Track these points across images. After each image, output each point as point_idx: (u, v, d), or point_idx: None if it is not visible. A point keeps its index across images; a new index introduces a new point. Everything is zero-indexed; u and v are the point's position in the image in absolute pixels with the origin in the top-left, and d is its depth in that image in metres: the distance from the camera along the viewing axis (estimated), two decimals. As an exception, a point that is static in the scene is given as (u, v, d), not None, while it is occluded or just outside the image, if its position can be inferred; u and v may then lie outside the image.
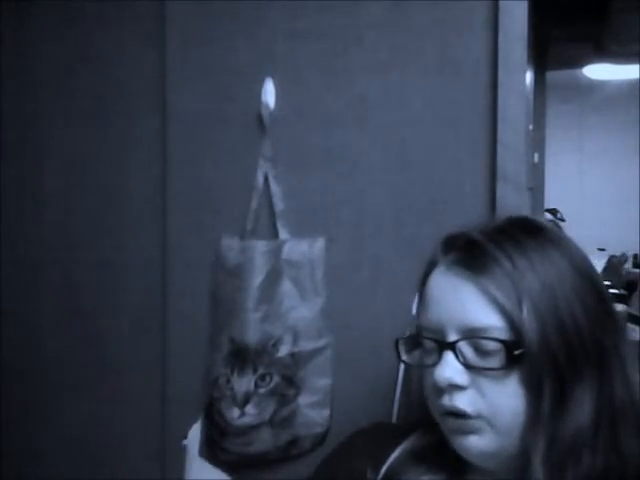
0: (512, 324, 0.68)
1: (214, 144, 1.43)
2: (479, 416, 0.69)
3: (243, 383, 1.29)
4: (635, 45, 2.49)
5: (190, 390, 1.41)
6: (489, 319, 0.69)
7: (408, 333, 0.76)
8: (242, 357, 1.30)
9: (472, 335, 0.69)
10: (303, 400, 1.31)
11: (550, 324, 0.68)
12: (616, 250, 4.35)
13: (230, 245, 1.37)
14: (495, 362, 0.68)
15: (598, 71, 3.54)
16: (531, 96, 2.64)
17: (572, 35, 2.86)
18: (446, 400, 0.70)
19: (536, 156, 2.88)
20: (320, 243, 1.34)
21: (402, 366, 1.33)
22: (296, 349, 1.30)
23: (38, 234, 1.58)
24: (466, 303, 0.70)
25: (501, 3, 1.26)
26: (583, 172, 5.19)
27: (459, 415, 0.70)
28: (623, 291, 3.07)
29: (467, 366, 0.69)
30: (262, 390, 1.28)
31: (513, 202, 1.27)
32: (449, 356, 0.70)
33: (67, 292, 1.55)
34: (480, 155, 1.29)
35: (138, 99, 1.49)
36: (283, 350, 1.30)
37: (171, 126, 1.45)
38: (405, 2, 1.32)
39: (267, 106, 1.37)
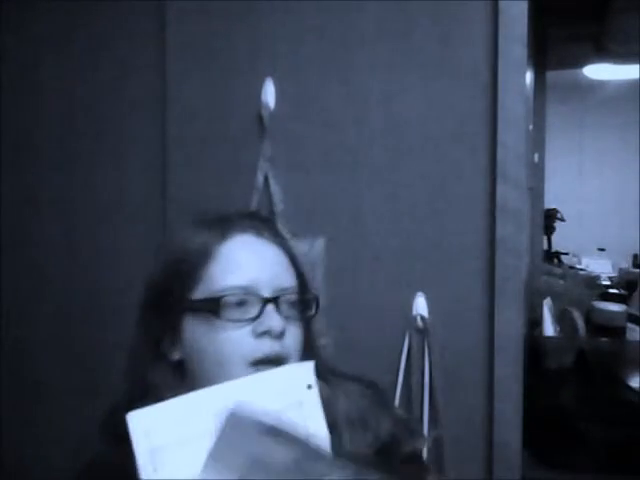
0: (302, 282, 0.85)
1: (214, 144, 1.43)
2: (287, 357, 0.79)
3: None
4: (635, 45, 2.49)
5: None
6: (292, 280, 0.84)
7: (200, 298, 0.80)
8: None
9: (284, 292, 0.81)
10: (303, 400, 1.31)
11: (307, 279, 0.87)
12: (616, 250, 4.35)
13: (230, 245, 1.36)
14: (296, 312, 0.82)
15: (598, 71, 3.53)
16: (531, 96, 2.64)
17: (572, 35, 2.86)
18: (267, 347, 0.78)
19: (536, 156, 2.88)
20: (320, 243, 1.34)
21: (402, 365, 1.33)
22: (296, 349, 1.30)
23: (38, 235, 1.58)
24: (277, 266, 0.83)
25: (501, 3, 1.26)
26: (583, 172, 5.19)
27: (272, 361, 0.78)
28: (623, 291, 3.06)
29: (283, 316, 0.80)
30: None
31: (513, 202, 1.27)
32: (271, 308, 0.79)
33: (67, 292, 1.55)
34: (480, 155, 1.29)
35: (138, 99, 1.49)
36: (283, 350, 1.30)
37: (171, 126, 1.45)
38: (405, 2, 1.32)
39: (267, 106, 1.37)
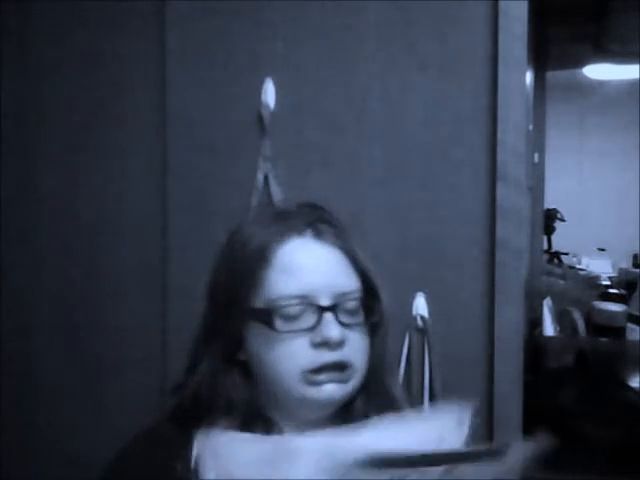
0: (367, 285, 0.82)
1: (214, 144, 1.43)
2: (349, 365, 0.77)
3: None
4: (635, 45, 2.49)
5: (190, 390, 1.41)
6: (354, 283, 0.80)
7: (257, 306, 0.78)
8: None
9: (344, 298, 0.78)
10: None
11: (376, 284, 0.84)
12: (616, 250, 4.35)
13: (230, 245, 1.36)
14: (360, 318, 0.79)
15: (598, 71, 3.54)
16: (531, 96, 2.64)
17: (572, 35, 2.86)
18: (325, 357, 0.76)
19: (536, 156, 2.88)
20: (320, 243, 1.34)
21: (402, 365, 1.33)
22: (296, 349, 1.30)
23: (37, 235, 1.58)
24: (336, 270, 0.80)
25: (501, 3, 1.26)
26: (583, 172, 5.19)
27: (331, 367, 0.76)
28: (623, 291, 3.07)
29: (343, 324, 0.77)
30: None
31: (513, 202, 1.27)
32: (329, 317, 0.76)
33: (66, 293, 1.55)
34: (480, 155, 1.29)
35: (138, 99, 1.49)
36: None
37: (171, 126, 1.45)
38: (405, 2, 1.32)
39: (267, 106, 1.37)
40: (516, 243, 1.28)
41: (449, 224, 1.32)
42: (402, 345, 1.32)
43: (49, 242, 1.57)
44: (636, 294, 3.05)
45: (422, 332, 1.32)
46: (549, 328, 2.68)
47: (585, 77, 3.72)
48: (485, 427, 1.28)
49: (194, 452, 0.69)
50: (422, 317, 1.32)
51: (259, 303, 0.78)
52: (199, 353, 0.82)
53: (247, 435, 0.71)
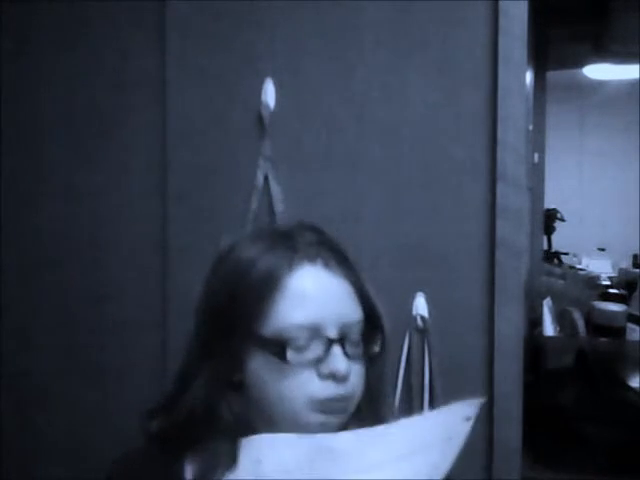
0: (370, 315, 0.81)
1: (214, 144, 1.43)
2: (351, 398, 0.78)
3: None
4: (635, 45, 2.48)
5: (190, 390, 1.41)
6: (359, 314, 0.80)
7: (266, 335, 0.77)
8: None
9: (350, 330, 0.77)
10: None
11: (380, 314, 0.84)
12: (616, 250, 4.35)
13: (230, 245, 1.36)
14: (361, 349, 0.79)
15: (598, 71, 3.53)
16: (531, 96, 2.64)
17: (572, 35, 2.86)
18: (331, 389, 0.76)
19: (536, 156, 2.88)
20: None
21: (402, 365, 1.33)
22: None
23: (37, 234, 1.58)
24: (343, 300, 0.79)
25: (501, 3, 1.26)
26: (583, 172, 5.19)
27: (336, 401, 0.76)
28: (623, 291, 3.06)
29: (348, 356, 0.77)
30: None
31: (513, 202, 1.27)
32: (337, 349, 0.76)
33: (66, 292, 1.55)
34: (480, 155, 1.29)
35: (138, 99, 1.49)
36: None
37: (171, 126, 1.45)
38: (405, 2, 1.32)
39: (267, 106, 1.37)
40: (516, 243, 1.28)
41: (449, 224, 1.32)
42: (402, 345, 1.32)
43: (49, 242, 1.57)
44: (636, 294, 3.05)
45: (422, 332, 1.32)
46: (549, 328, 2.68)
47: (585, 77, 3.72)
48: (485, 427, 1.28)
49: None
50: (422, 317, 1.32)
51: (267, 331, 0.76)
52: (192, 371, 0.80)
53: (284, 436, 0.70)
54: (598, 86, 4.08)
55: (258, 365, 0.77)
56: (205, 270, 1.45)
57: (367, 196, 1.35)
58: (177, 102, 1.44)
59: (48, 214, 1.57)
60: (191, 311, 1.43)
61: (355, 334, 0.78)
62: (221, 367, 0.78)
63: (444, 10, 1.30)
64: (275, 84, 1.38)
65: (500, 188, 1.27)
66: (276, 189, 1.37)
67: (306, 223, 0.86)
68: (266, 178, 1.37)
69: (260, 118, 1.38)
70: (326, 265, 0.79)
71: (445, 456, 0.67)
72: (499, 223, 1.27)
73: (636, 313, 2.65)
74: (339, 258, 0.82)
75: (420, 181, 1.33)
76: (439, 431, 0.68)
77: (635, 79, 3.64)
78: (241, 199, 1.38)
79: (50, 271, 1.57)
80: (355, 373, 0.77)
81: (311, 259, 0.79)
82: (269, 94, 1.37)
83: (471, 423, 0.68)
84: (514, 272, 1.28)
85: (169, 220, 1.45)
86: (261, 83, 1.37)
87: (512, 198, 1.27)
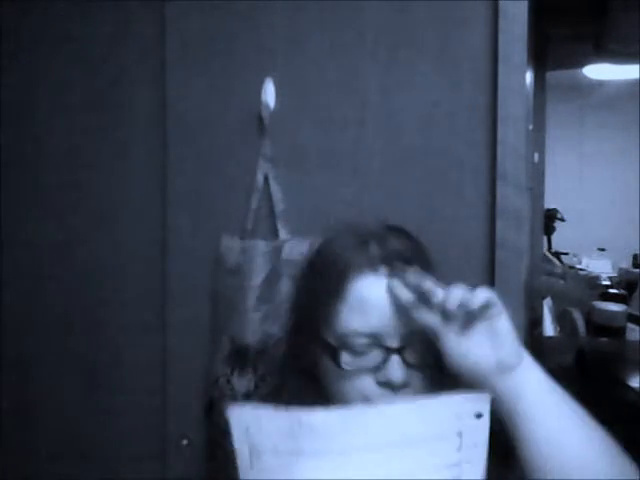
0: None
1: (214, 144, 1.43)
2: None
3: (243, 383, 1.29)
4: (635, 45, 2.49)
5: (190, 390, 1.41)
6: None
7: (327, 339, 0.79)
8: (242, 357, 1.30)
9: (413, 338, 0.77)
10: (303, 400, 1.31)
11: None
12: (616, 250, 4.35)
13: (230, 245, 1.36)
14: (422, 358, 0.78)
15: (598, 71, 3.54)
16: (531, 96, 2.64)
17: (572, 35, 2.86)
18: (388, 396, 0.77)
19: (536, 156, 2.88)
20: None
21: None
22: (296, 349, 1.30)
23: (37, 235, 1.58)
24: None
25: (501, 3, 1.26)
26: (583, 172, 5.19)
27: None
28: (623, 291, 3.06)
29: (409, 365, 0.78)
30: (263, 390, 1.28)
31: (513, 202, 1.27)
32: (395, 358, 0.76)
33: (66, 292, 1.55)
34: (480, 155, 1.29)
35: (138, 98, 1.49)
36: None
37: (171, 126, 1.45)
38: (405, 2, 1.32)
39: (267, 106, 1.37)
40: (516, 243, 1.28)
41: (449, 224, 1.32)
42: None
43: (49, 242, 1.57)
44: (636, 294, 3.06)
45: (422, 332, 1.32)
46: (549, 328, 2.69)
47: (585, 77, 3.73)
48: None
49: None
50: (422, 317, 1.32)
51: (329, 335, 0.79)
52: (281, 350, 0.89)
53: (264, 408, 0.70)
54: (598, 86, 4.09)
55: (324, 366, 0.80)
56: (205, 270, 1.45)
57: (367, 196, 1.34)
58: (177, 102, 1.44)
59: (48, 213, 1.57)
60: (191, 312, 1.44)
61: (418, 342, 0.78)
62: (304, 360, 0.83)
63: (444, 10, 1.30)
64: (275, 84, 1.38)
65: (500, 188, 1.27)
66: (276, 189, 1.37)
67: (394, 225, 0.88)
68: (266, 178, 1.37)
69: (260, 118, 1.38)
70: (392, 274, 0.79)
71: (461, 454, 0.65)
72: (499, 223, 1.27)
73: (636, 313, 2.65)
74: (412, 265, 0.81)
75: (420, 181, 1.32)
76: (438, 423, 0.67)
77: (635, 79, 3.64)
78: (241, 199, 1.38)
79: (49, 272, 1.57)
80: (417, 380, 0.78)
81: (375, 267, 0.80)
82: (269, 94, 1.37)
83: (486, 421, 0.66)
84: (514, 272, 1.28)
85: (169, 220, 1.45)
86: (261, 83, 1.37)
87: (512, 198, 1.27)
